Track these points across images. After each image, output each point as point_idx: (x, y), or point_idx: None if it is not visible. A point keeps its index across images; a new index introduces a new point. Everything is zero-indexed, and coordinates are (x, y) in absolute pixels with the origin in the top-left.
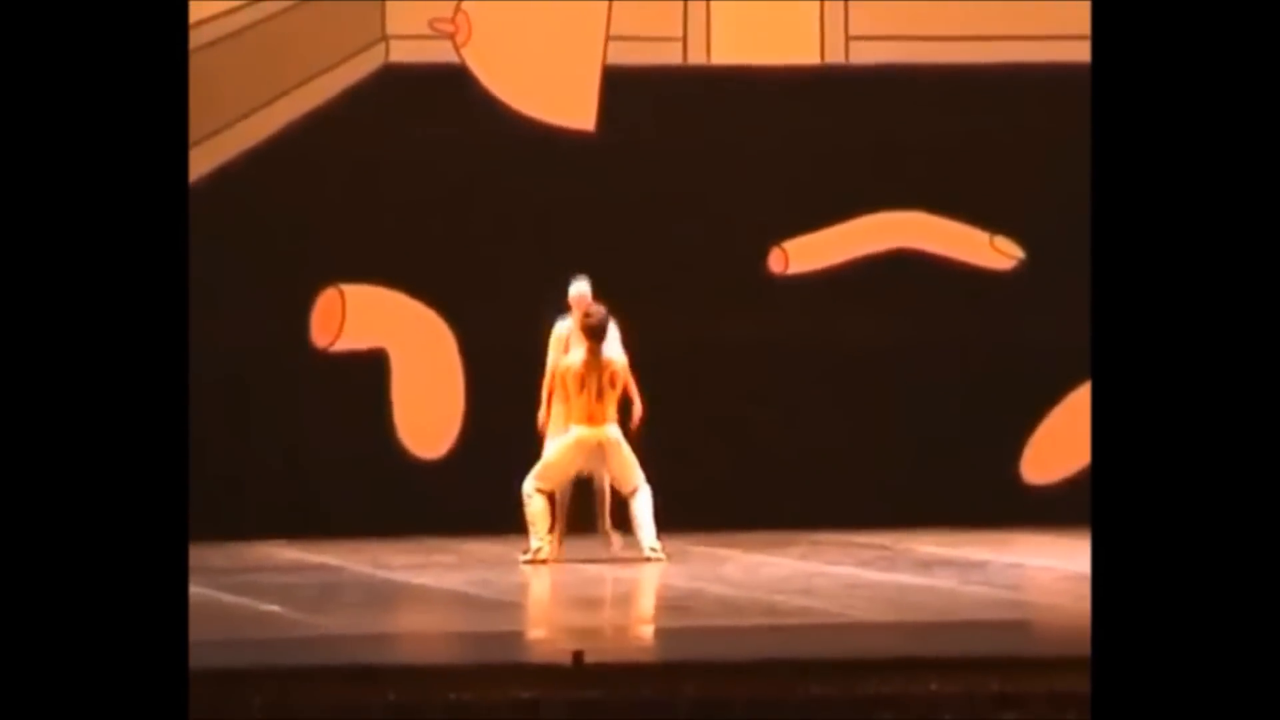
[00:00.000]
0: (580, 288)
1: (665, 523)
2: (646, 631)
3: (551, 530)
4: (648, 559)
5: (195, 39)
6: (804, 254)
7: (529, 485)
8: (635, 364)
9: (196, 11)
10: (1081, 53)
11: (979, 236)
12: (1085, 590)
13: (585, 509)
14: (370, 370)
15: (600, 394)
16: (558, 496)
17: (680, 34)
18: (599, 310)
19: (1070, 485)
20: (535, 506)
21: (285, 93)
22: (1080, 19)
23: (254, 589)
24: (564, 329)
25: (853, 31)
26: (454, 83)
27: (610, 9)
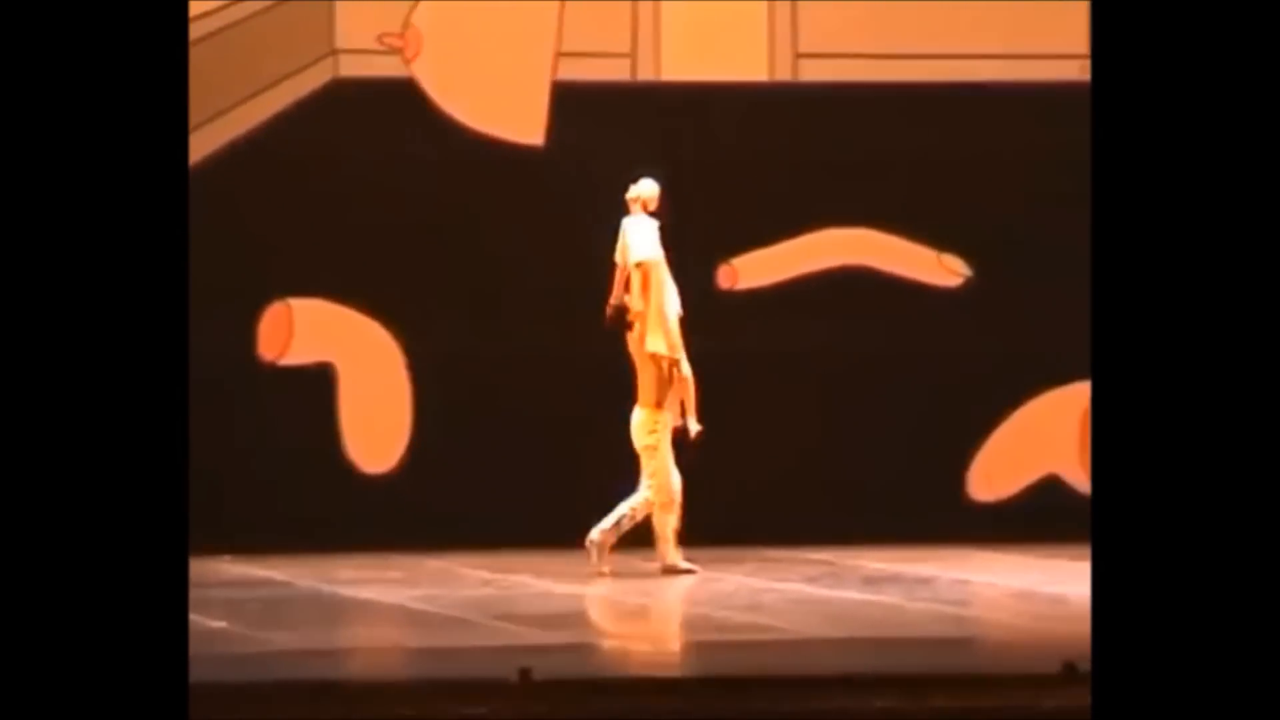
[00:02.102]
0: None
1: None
2: (594, 647)
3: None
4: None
5: None
6: (753, 270)
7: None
8: (584, 377)
9: None
10: (1031, 70)
11: (927, 254)
12: (1031, 607)
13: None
14: (317, 384)
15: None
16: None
17: (629, 50)
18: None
19: (1017, 502)
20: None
21: (233, 107)
22: (1030, 38)
23: (200, 605)
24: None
25: (801, 49)
26: (403, 97)
27: (560, 25)
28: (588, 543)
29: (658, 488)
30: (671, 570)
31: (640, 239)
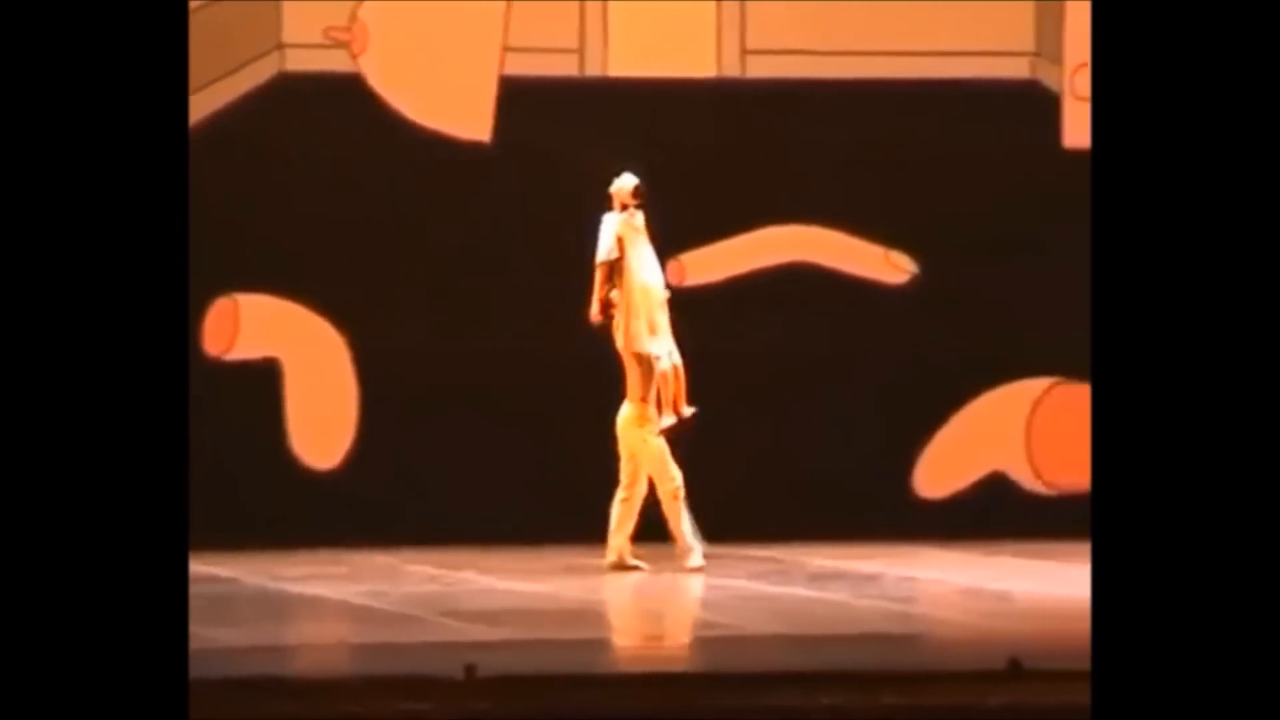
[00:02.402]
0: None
1: (559, 535)
2: (539, 644)
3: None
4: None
5: None
6: (700, 266)
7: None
8: (529, 374)
9: None
10: (977, 68)
11: (873, 250)
12: (977, 604)
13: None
14: (263, 380)
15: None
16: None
17: (577, 46)
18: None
19: (963, 499)
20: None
21: None
22: (977, 35)
23: None
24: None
25: (749, 46)
26: (349, 92)
27: (507, 20)
28: (615, 562)
29: (658, 476)
30: (620, 566)
31: (602, 238)
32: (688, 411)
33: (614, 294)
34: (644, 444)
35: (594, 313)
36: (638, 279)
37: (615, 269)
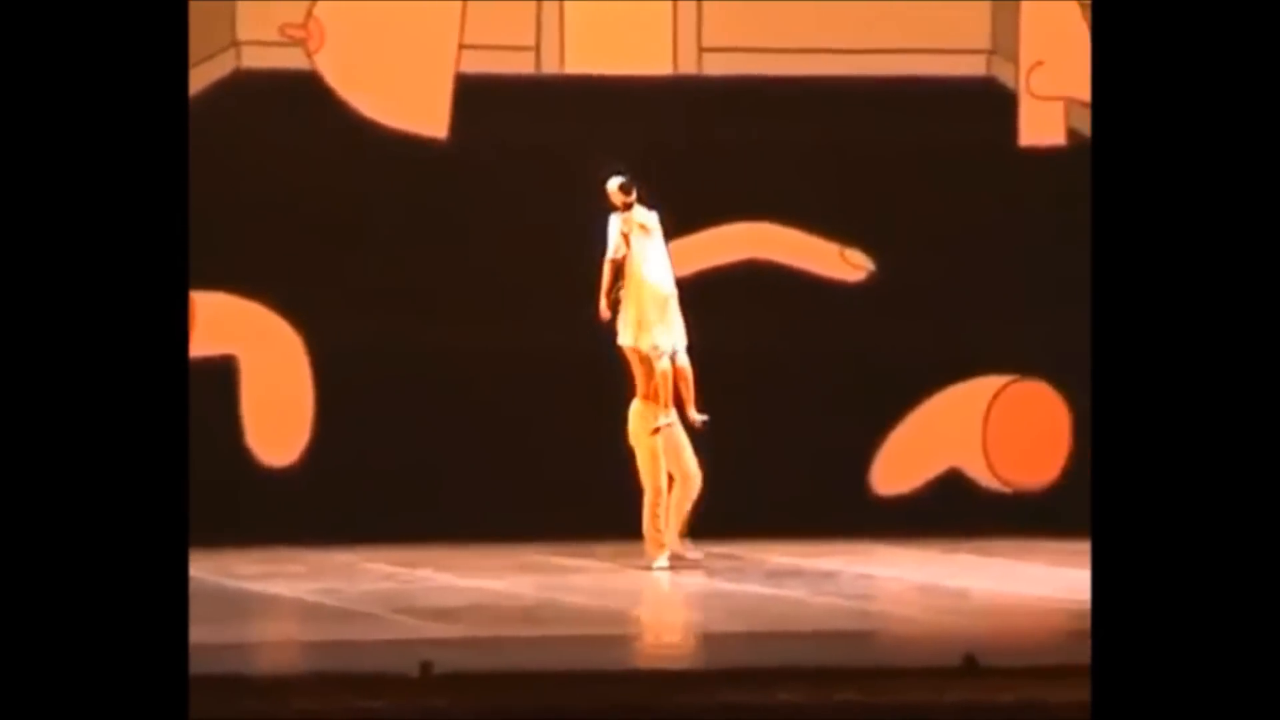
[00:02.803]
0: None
1: (516, 533)
2: (495, 641)
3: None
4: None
5: None
6: None
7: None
8: (489, 372)
9: None
10: (933, 65)
11: (829, 248)
12: (934, 600)
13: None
14: (220, 377)
15: None
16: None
17: (533, 43)
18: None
19: (920, 496)
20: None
21: None
22: (932, 33)
23: None
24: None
25: (705, 43)
26: (305, 89)
27: (464, 17)
28: (676, 553)
29: (644, 473)
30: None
31: (609, 237)
32: (697, 419)
33: (621, 291)
34: (638, 439)
35: (601, 309)
36: (641, 276)
37: (621, 267)
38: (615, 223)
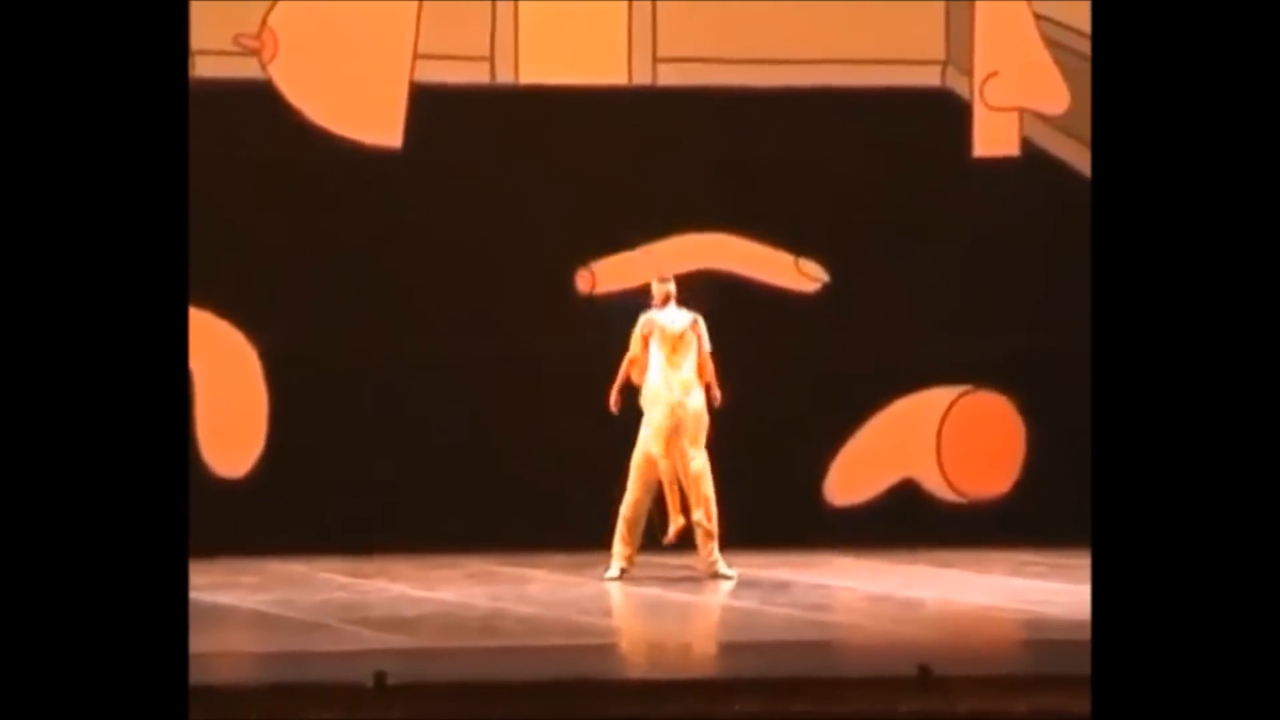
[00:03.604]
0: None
1: (469, 542)
2: (449, 651)
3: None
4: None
5: None
6: (611, 274)
7: None
8: (442, 382)
9: None
10: (888, 76)
11: (784, 258)
12: (888, 610)
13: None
14: None
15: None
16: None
17: (488, 53)
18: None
19: (874, 507)
20: None
21: None
22: (887, 43)
23: None
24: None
25: (660, 54)
26: (260, 98)
27: (418, 27)
28: (713, 565)
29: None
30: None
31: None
32: (679, 521)
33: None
34: (661, 457)
35: (611, 402)
36: (652, 365)
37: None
38: (641, 321)
